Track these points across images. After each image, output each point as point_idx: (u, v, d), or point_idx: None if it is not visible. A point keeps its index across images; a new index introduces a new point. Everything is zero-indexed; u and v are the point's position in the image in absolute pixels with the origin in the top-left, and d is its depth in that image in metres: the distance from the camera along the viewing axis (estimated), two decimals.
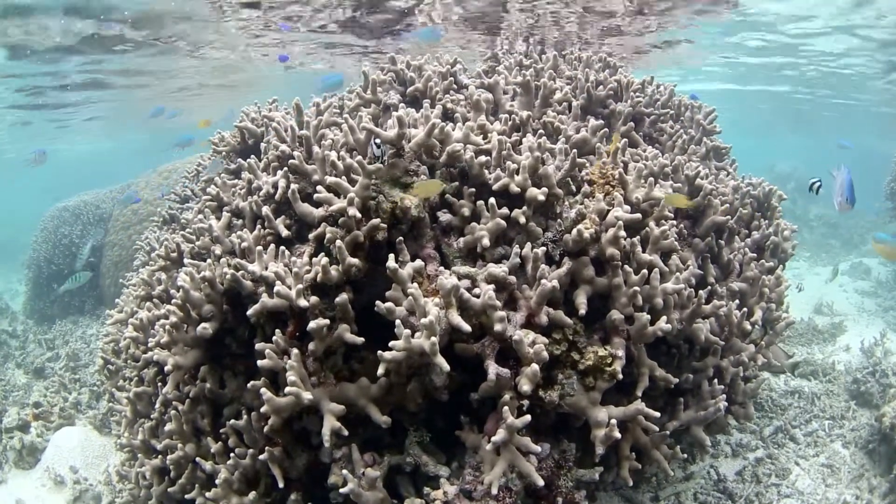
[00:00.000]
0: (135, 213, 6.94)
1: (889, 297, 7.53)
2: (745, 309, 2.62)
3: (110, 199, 7.90)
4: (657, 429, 2.19)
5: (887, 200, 8.00)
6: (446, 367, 1.82)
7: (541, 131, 2.59)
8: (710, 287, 2.59)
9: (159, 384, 2.56)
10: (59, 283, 7.70)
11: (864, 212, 11.24)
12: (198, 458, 2.26)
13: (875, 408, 4.08)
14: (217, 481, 2.15)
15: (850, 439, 3.81)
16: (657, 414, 2.13)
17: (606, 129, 2.52)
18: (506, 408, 1.90)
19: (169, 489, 2.34)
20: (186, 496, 2.27)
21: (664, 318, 2.17)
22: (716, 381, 2.47)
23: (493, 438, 1.88)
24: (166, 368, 2.22)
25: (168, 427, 2.34)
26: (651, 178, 2.32)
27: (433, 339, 1.78)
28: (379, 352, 1.87)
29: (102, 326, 6.26)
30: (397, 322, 1.86)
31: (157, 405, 2.52)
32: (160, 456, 2.44)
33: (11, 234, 14.94)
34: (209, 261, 2.37)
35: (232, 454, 2.18)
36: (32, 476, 4.01)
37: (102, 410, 4.28)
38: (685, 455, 2.63)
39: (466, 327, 1.88)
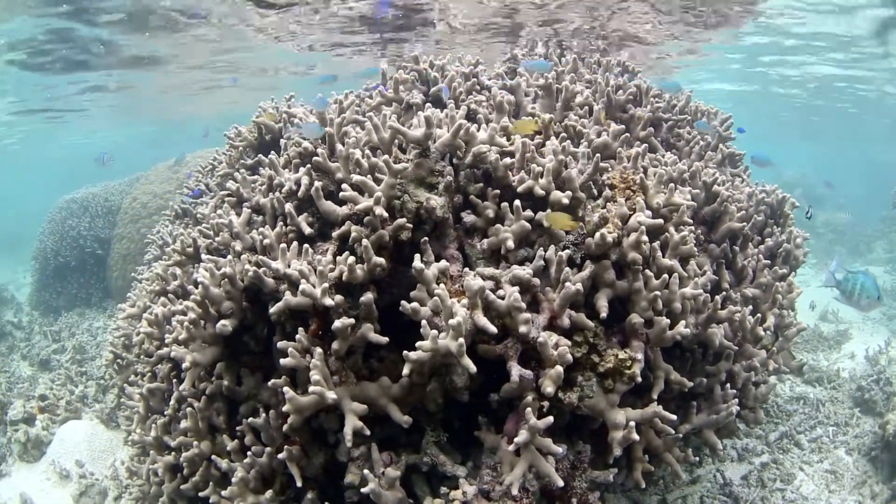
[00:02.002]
0: (144, 206, 6.91)
1: (894, 306, 7.54)
2: (758, 315, 2.63)
3: (119, 191, 7.87)
4: (672, 431, 2.19)
5: (894, 209, 8.03)
6: (473, 368, 1.82)
7: (563, 134, 2.59)
8: (724, 292, 2.60)
9: (174, 380, 2.55)
10: (66, 275, 7.70)
11: (871, 219, 11.27)
12: (213, 456, 2.25)
13: (878, 415, 4.10)
14: (233, 479, 2.14)
15: (853, 446, 3.83)
16: (674, 417, 2.14)
17: (627, 134, 2.52)
18: (528, 409, 1.90)
19: (181, 486, 2.32)
20: (200, 494, 2.25)
21: (682, 322, 2.18)
22: (728, 385, 2.48)
23: (515, 439, 1.88)
24: (184, 365, 2.21)
25: (183, 424, 2.33)
26: (671, 184, 2.33)
27: (460, 339, 1.78)
28: (405, 352, 1.87)
29: (111, 320, 6.23)
30: (423, 322, 1.85)
31: (172, 401, 2.50)
32: (173, 453, 2.42)
33: (16, 226, 14.91)
34: (229, 257, 2.36)
35: (249, 452, 2.17)
36: (37, 469, 3.97)
37: (110, 404, 4.25)
38: (697, 458, 2.65)
39: (493, 329, 1.87)
